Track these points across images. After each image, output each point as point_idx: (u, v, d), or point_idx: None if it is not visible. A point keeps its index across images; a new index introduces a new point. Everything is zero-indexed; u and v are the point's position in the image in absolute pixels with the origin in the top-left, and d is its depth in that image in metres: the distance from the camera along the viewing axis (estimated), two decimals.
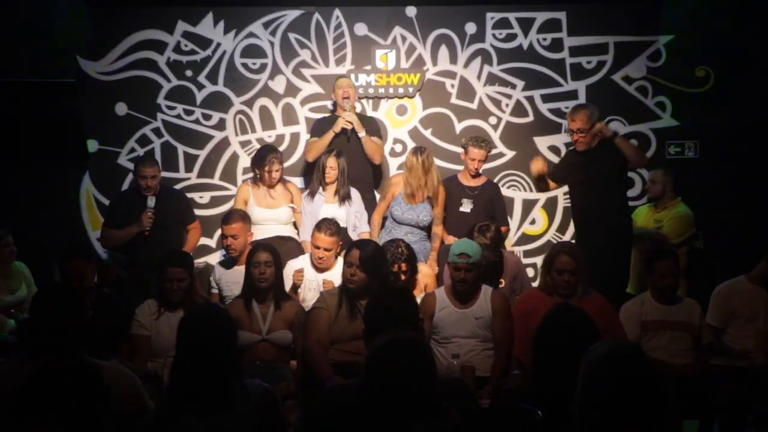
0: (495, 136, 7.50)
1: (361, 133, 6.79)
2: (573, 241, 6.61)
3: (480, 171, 6.71)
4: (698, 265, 6.79)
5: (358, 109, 7.26)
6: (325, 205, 6.47)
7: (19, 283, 6.36)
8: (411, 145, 7.49)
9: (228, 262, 6.04)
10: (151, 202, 6.32)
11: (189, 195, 7.38)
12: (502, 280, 5.85)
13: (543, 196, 7.43)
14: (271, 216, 6.50)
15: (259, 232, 6.40)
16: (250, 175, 6.83)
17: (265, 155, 6.53)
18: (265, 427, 3.12)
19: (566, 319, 3.20)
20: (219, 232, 6.52)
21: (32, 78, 6.87)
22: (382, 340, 2.68)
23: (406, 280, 5.54)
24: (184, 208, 6.71)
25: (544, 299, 4.95)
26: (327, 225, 5.79)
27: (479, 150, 6.57)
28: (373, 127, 7.03)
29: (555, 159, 7.18)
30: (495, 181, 7.18)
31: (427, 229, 6.62)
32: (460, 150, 7.25)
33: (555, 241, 6.64)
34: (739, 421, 4.94)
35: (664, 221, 6.69)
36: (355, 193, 6.62)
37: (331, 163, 6.48)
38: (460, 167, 7.15)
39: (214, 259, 6.99)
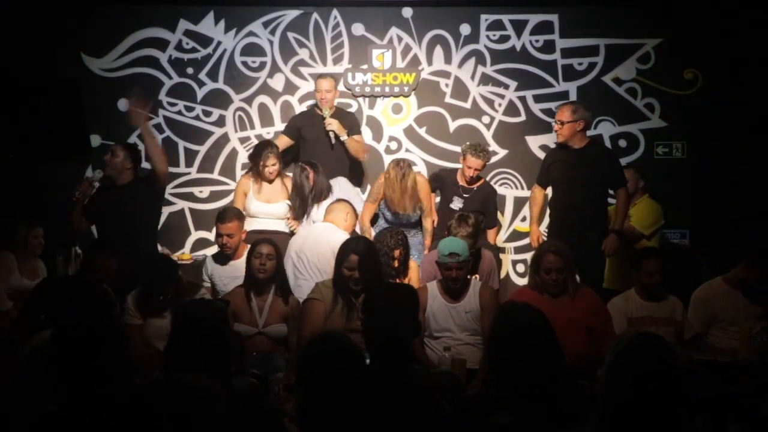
0: (488, 135, 7.49)
1: (343, 137, 6.73)
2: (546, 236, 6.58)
3: (476, 177, 6.64)
4: (684, 263, 6.76)
5: (354, 108, 7.30)
6: (316, 207, 6.41)
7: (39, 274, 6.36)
8: (406, 143, 7.53)
9: (221, 257, 5.90)
10: (97, 174, 5.98)
11: (189, 189, 7.46)
12: (476, 276, 5.78)
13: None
14: (267, 210, 6.47)
15: (255, 225, 6.37)
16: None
17: (261, 150, 6.47)
18: (250, 422, 3.05)
19: (517, 319, 3.09)
20: None
21: (36, 74, 6.82)
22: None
23: (398, 267, 5.53)
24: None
25: (535, 297, 4.93)
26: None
27: (476, 159, 6.51)
28: (352, 123, 6.94)
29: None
30: (488, 179, 7.11)
31: (417, 224, 6.61)
32: (452, 147, 7.39)
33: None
34: (722, 415, 4.93)
35: (632, 212, 6.61)
36: (336, 183, 6.58)
37: (312, 177, 6.39)
38: (453, 165, 7.18)
39: (211, 251, 6.78)
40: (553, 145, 7.15)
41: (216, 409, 2.39)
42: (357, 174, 7.21)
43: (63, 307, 3.53)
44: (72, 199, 5.95)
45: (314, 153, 6.74)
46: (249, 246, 5.56)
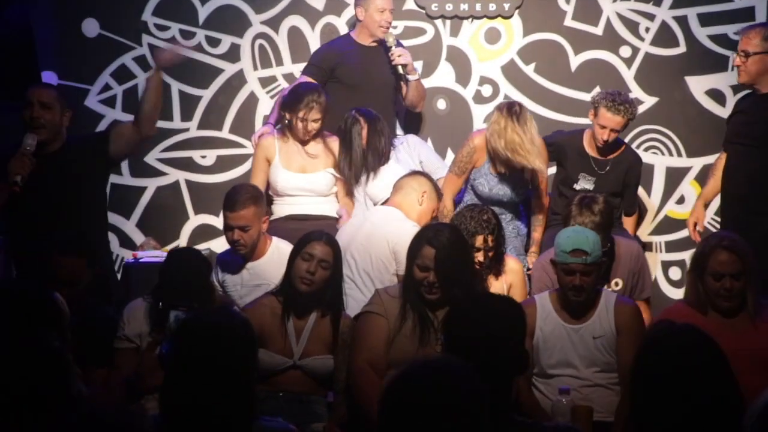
0: (628, 75, 7.40)
1: (414, 76, 6.92)
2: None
3: (613, 142, 6.63)
4: None
5: (430, 35, 7.44)
6: (371, 177, 6.61)
7: None
8: (505, 86, 7.44)
9: (232, 258, 5.95)
10: (32, 140, 5.85)
11: (186, 153, 7.52)
12: (618, 280, 5.85)
13: (698, 163, 7.30)
14: (303, 184, 6.52)
15: (286, 208, 6.50)
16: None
17: (303, 95, 6.49)
18: None
19: (678, 349, 3.02)
20: None
21: None
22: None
23: (485, 263, 5.58)
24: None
25: (697, 316, 4.92)
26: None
27: (614, 115, 6.45)
28: None
29: (716, 109, 7.18)
30: (627, 140, 7.06)
31: (520, 206, 6.70)
32: (575, 94, 7.42)
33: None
34: None
35: None
36: (404, 141, 6.81)
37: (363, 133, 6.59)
38: (576, 120, 7.20)
39: (220, 245, 6.93)
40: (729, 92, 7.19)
41: None
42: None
43: None
44: (14, 189, 5.82)
45: (349, 103, 6.76)
46: (273, 240, 5.83)
